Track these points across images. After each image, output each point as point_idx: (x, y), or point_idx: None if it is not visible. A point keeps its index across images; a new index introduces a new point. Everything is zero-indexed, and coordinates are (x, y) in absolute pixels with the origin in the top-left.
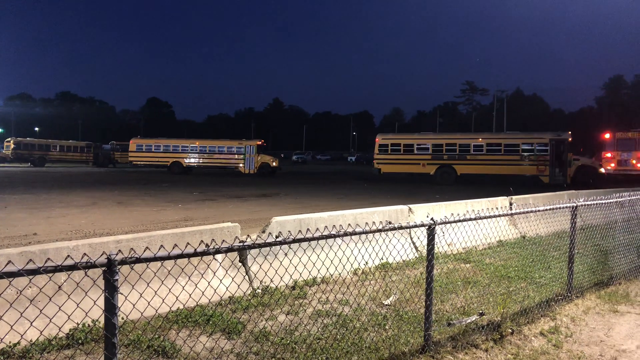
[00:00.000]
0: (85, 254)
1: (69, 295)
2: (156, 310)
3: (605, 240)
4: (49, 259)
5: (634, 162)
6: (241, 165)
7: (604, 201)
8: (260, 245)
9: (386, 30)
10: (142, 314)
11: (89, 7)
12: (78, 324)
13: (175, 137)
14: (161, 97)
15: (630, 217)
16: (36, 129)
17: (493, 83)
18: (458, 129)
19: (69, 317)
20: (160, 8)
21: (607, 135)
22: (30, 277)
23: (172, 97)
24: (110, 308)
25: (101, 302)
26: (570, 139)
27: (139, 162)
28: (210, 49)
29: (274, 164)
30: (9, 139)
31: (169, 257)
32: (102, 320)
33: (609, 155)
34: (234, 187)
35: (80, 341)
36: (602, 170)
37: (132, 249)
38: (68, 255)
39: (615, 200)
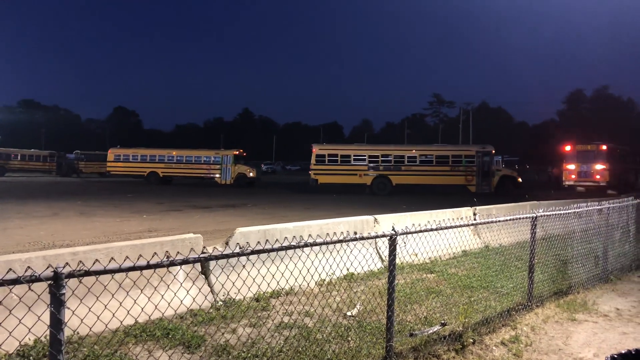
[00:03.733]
0: (29, 267)
1: (10, 312)
2: (106, 325)
3: (565, 250)
4: (10, 271)
5: (593, 173)
6: (217, 175)
7: (562, 212)
8: (217, 257)
9: (356, 42)
10: (90, 329)
11: (54, 13)
12: (24, 342)
13: (144, 147)
14: (128, 106)
15: (587, 228)
16: None
17: (460, 96)
18: (425, 140)
19: (10, 334)
20: (127, 15)
21: (568, 148)
22: None
23: (140, 106)
24: (56, 323)
25: (46, 317)
26: (493, 151)
27: (116, 172)
28: (179, 58)
29: (251, 174)
30: None
31: (119, 270)
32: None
33: (570, 167)
34: (202, 197)
35: (30, 357)
36: (520, 180)
37: (80, 261)
38: (10, 269)
39: (574, 210)
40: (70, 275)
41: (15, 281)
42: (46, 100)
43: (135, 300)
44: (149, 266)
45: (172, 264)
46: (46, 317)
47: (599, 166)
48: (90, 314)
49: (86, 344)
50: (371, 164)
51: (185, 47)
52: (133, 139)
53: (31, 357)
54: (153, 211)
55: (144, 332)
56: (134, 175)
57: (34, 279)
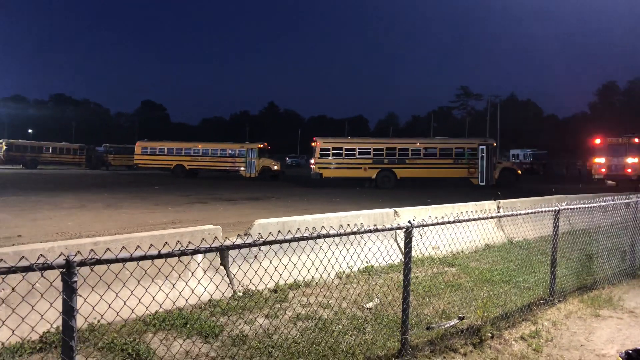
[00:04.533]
0: (41, 255)
1: (42, 295)
2: (131, 313)
3: (590, 244)
4: (2, 260)
5: (624, 167)
6: (242, 168)
7: (586, 205)
8: (230, 247)
9: (381, 35)
10: (118, 315)
11: (84, 9)
12: (51, 326)
13: (171, 140)
14: (156, 100)
15: (614, 222)
16: (29, 130)
17: (488, 88)
18: (452, 133)
19: (42, 317)
20: (155, 11)
21: (598, 141)
22: None
23: (167, 100)
24: (68, 311)
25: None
26: (494, 144)
27: (144, 165)
28: (206, 52)
29: (276, 167)
30: (1, 140)
31: (131, 259)
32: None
33: (599, 160)
34: (227, 190)
35: (54, 344)
36: (520, 172)
37: (92, 250)
38: (23, 256)
39: (598, 204)
40: (82, 263)
41: (28, 268)
42: (77, 94)
43: (146, 290)
44: (159, 255)
45: (183, 253)
46: (56, 306)
47: (630, 159)
48: (114, 303)
49: (107, 331)
50: (375, 157)
51: (213, 41)
52: (160, 132)
53: (54, 343)
54: (178, 203)
55: (164, 321)
56: (161, 167)
57: (47, 267)
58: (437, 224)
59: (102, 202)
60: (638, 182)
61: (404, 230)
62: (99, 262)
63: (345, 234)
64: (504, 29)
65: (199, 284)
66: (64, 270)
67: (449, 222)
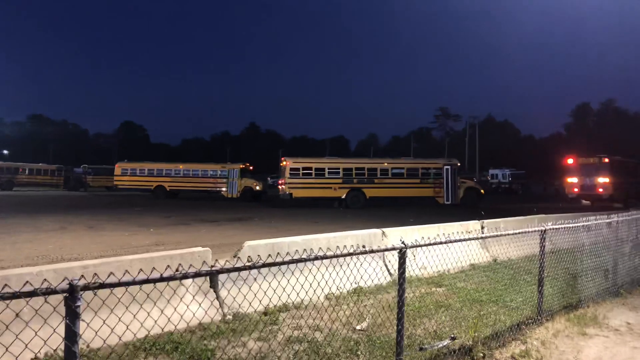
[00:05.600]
0: (45, 279)
1: (27, 323)
2: (119, 339)
3: (574, 263)
4: (6, 285)
5: (596, 186)
6: (224, 189)
7: (571, 225)
8: (229, 270)
9: (363, 57)
10: (104, 342)
11: (63, 29)
12: (37, 354)
13: (151, 161)
14: (136, 120)
15: (597, 241)
16: (5, 151)
17: (466, 109)
18: (432, 154)
19: (26, 346)
20: (134, 31)
21: (570, 161)
22: None
23: (147, 120)
24: (71, 336)
25: (61, 330)
26: (458, 164)
27: (123, 186)
28: (185, 73)
29: (258, 188)
30: None
31: (134, 283)
32: (60, 349)
33: (572, 180)
34: (209, 211)
35: None
36: (483, 191)
37: (95, 274)
38: (27, 281)
39: (582, 224)
40: (86, 287)
41: (32, 293)
42: (55, 115)
43: (134, 315)
44: (162, 279)
45: (185, 276)
46: (45, 332)
47: (601, 179)
48: (102, 328)
49: (97, 357)
50: (345, 177)
51: (192, 62)
52: (140, 152)
53: None
54: (160, 225)
55: (153, 345)
56: (141, 188)
57: (50, 291)
58: (431, 244)
59: (83, 224)
60: (610, 201)
61: (397, 250)
62: (103, 285)
63: (342, 255)
64: (482, 51)
65: (188, 308)
66: (67, 294)
67: (442, 243)
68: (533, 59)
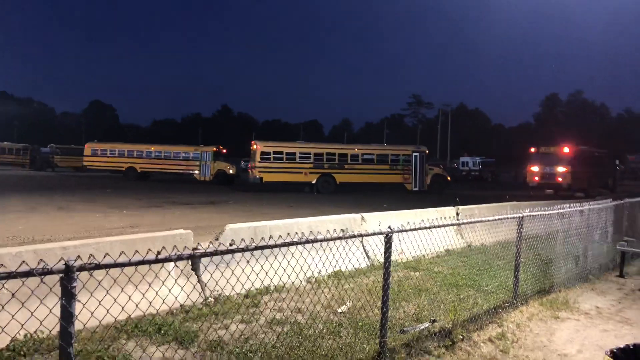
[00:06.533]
0: (24, 261)
1: (22, 304)
2: (99, 322)
3: (546, 250)
4: (2, 265)
5: (555, 175)
6: (196, 172)
7: (547, 212)
8: (222, 252)
9: (337, 42)
10: (84, 325)
11: (28, 4)
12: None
13: (121, 141)
14: (105, 100)
15: (568, 228)
16: None
17: (439, 97)
18: (404, 141)
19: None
20: (105, 8)
21: (532, 150)
22: None
23: (116, 100)
24: (67, 316)
25: (56, 310)
26: (427, 152)
27: (93, 167)
28: (157, 53)
29: (231, 171)
30: None
31: (129, 264)
32: (45, 330)
33: (533, 169)
34: (182, 193)
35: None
36: (449, 178)
37: (91, 255)
38: (23, 261)
39: (557, 211)
40: (82, 268)
41: (28, 273)
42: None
43: (115, 298)
44: (157, 260)
45: (180, 258)
46: (38, 313)
47: (560, 168)
48: (83, 311)
49: (78, 340)
50: (316, 162)
51: (164, 41)
52: (109, 133)
53: (27, 350)
54: (133, 207)
55: (136, 327)
56: (112, 170)
57: (47, 272)
58: (416, 229)
59: (53, 205)
60: (570, 191)
61: (384, 235)
62: (99, 267)
63: (331, 239)
64: (455, 40)
65: (170, 290)
66: (63, 275)
67: (426, 228)
68: (505, 50)
